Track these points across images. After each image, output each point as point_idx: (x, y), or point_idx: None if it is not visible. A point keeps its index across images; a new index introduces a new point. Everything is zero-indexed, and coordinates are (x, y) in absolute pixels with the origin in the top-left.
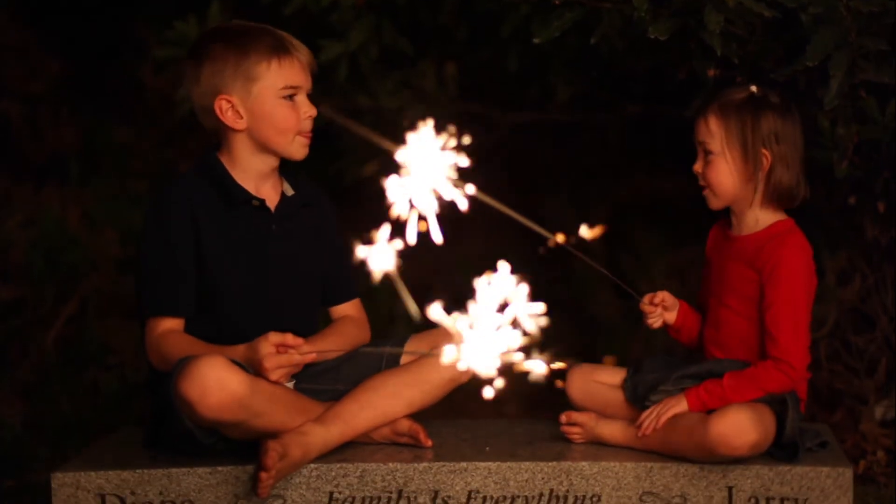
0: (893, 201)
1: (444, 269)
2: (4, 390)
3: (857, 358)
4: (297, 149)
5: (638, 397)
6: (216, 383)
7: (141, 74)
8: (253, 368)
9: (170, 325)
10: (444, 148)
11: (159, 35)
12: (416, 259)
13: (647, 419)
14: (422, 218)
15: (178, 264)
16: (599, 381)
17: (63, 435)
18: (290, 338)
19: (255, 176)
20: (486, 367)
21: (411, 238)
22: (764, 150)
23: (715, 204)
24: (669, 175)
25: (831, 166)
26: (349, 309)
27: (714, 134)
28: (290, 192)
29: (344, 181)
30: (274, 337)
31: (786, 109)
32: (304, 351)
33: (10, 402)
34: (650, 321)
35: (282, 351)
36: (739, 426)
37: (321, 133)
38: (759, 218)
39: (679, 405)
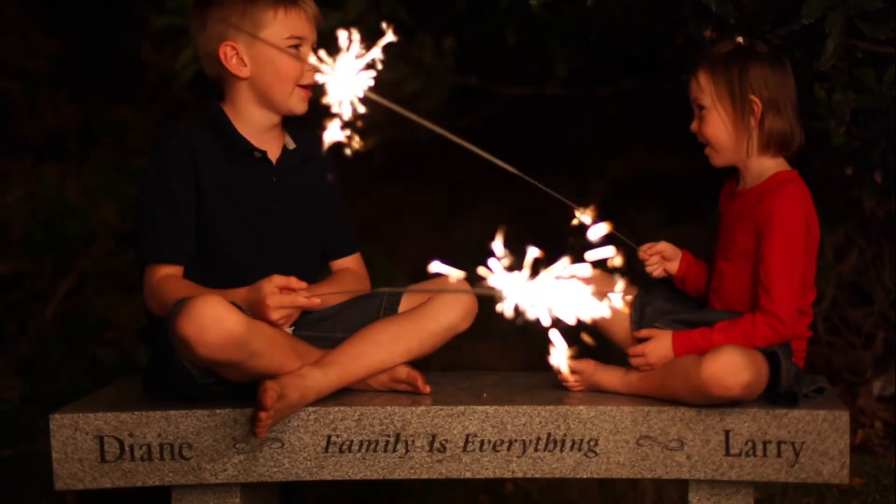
0: (891, 172)
1: (443, 252)
2: (2, 364)
3: (854, 332)
4: (297, 102)
5: (644, 318)
6: (213, 322)
7: (140, 53)
8: (254, 310)
9: (169, 271)
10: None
11: (159, 7)
12: (416, 242)
13: (637, 358)
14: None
15: (177, 211)
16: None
17: (61, 407)
18: (293, 281)
19: (257, 128)
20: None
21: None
22: (753, 98)
23: (717, 161)
24: (668, 152)
25: (828, 136)
26: (350, 262)
27: (704, 88)
28: (291, 145)
29: (343, 155)
30: (278, 279)
31: (774, 57)
32: (307, 295)
33: (9, 376)
34: (649, 269)
35: (285, 292)
36: (732, 366)
37: (320, 104)
38: (762, 169)
39: (667, 354)
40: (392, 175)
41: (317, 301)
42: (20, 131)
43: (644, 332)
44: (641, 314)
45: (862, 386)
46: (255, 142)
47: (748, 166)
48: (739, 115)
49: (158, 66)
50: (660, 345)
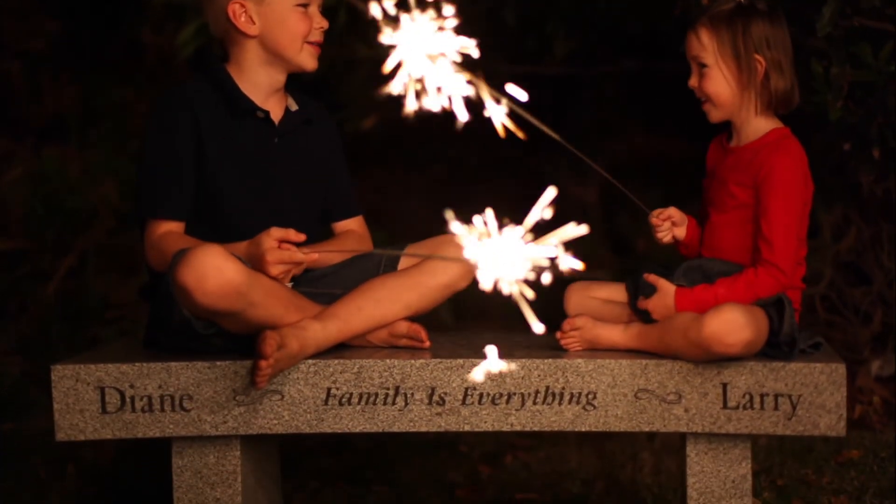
0: (888, 148)
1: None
2: (4, 342)
3: (852, 312)
4: (307, 58)
5: (641, 290)
6: (213, 270)
7: (140, 34)
8: (253, 265)
9: (170, 227)
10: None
11: None
12: (415, 224)
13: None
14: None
15: (179, 167)
16: (595, 297)
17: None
18: (292, 233)
19: (262, 89)
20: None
21: (410, 107)
22: (757, 57)
23: (716, 116)
24: (667, 134)
25: (826, 113)
26: (352, 224)
27: (706, 46)
28: (294, 107)
29: (343, 133)
30: (276, 232)
31: (774, 15)
32: (307, 251)
33: (9, 354)
34: (659, 235)
35: (284, 247)
36: (734, 324)
37: (319, 84)
38: (758, 127)
39: (669, 309)
40: (391, 156)
41: (314, 256)
42: (21, 113)
43: (652, 278)
44: (637, 287)
45: (860, 366)
46: (258, 103)
47: (745, 123)
48: (744, 74)
49: (158, 47)
50: (663, 299)
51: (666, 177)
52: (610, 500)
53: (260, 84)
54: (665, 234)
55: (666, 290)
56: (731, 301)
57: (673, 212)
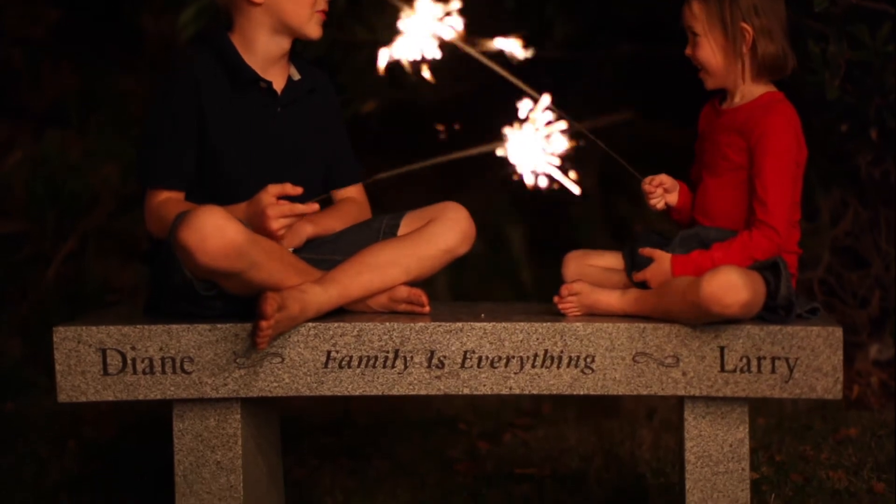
0: (886, 128)
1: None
2: (4, 325)
3: (850, 295)
4: (314, 26)
5: (637, 260)
6: (214, 229)
7: (141, 21)
8: (254, 223)
9: (170, 195)
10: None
11: None
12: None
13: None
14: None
15: (181, 137)
16: (593, 265)
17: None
18: (288, 187)
19: (265, 59)
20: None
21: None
22: (744, 25)
23: (710, 84)
24: (665, 118)
25: (824, 94)
26: (352, 192)
27: (697, 16)
28: (296, 76)
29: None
30: (273, 188)
31: None
32: (307, 204)
33: (10, 336)
34: (652, 202)
35: (282, 203)
36: (731, 284)
37: (319, 66)
38: (751, 91)
39: (667, 275)
40: (392, 141)
41: (315, 206)
42: (21, 99)
43: (647, 251)
44: (633, 258)
45: (858, 349)
46: (262, 72)
47: (738, 89)
48: (731, 43)
49: (159, 33)
50: (660, 267)
51: (664, 160)
52: (609, 474)
53: (264, 53)
54: (658, 200)
55: (662, 259)
56: (729, 262)
57: (664, 178)
